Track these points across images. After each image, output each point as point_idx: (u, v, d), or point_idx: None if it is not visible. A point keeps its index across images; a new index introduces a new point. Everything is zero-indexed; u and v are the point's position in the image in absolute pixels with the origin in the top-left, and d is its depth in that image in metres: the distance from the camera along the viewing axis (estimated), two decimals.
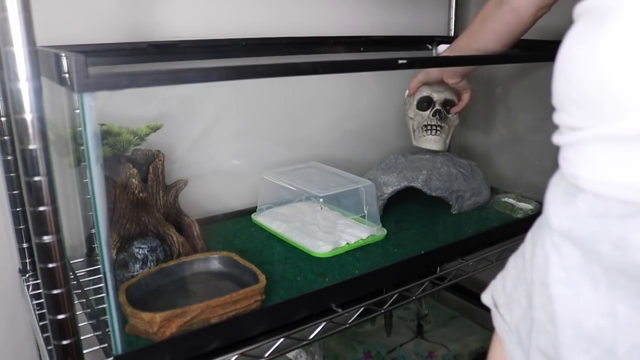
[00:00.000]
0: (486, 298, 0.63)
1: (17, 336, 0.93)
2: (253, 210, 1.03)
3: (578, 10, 0.47)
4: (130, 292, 0.69)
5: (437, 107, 1.10)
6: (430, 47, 1.25)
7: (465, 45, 0.95)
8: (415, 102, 1.12)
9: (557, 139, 0.48)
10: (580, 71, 0.44)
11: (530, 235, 0.57)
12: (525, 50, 0.97)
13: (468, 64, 1.00)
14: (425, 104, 1.11)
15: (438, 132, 1.09)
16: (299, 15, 1.10)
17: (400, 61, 0.74)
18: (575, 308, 0.45)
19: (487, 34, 0.91)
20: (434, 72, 1.06)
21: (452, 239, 0.95)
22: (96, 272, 0.84)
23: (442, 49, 1.23)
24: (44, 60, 0.54)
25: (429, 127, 1.10)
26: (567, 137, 0.46)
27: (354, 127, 1.25)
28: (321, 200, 0.92)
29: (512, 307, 0.57)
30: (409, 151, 1.15)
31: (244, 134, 1.08)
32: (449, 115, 1.12)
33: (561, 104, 0.47)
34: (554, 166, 1.11)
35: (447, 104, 1.11)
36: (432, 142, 1.09)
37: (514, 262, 0.59)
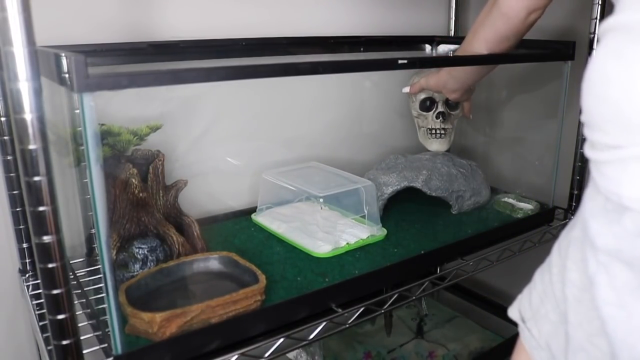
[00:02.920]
0: (513, 313, 0.61)
1: (17, 336, 0.93)
2: (253, 210, 1.03)
3: (610, 24, 0.45)
4: (130, 292, 0.69)
5: (440, 108, 1.11)
6: (430, 46, 1.25)
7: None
8: (418, 103, 1.13)
9: (592, 154, 0.47)
10: (616, 91, 0.43)
11: (557, 248, 0.55)
12: (526, 50, 0.98)
13: (468, 64, 0.99)
14: (427, 103, 1.12)
15: (442, 135, 1.13)
16: (299, 15, 1.10)
17: (400, 61, 0.74)
18: (627, 331, 0.44)
19: (479, 42, 0.89)
20: (432, 85, 1.03)
21: (452, 239, 0.95)
22: (96, 272, 0.84)
23: (442, 49, 1.23)
24: (44, 60, 0.54)
25: (433, 131, 1.13)
26: (606, 154, 0.44)
27: (354, 127, 1.25)
28: (321, 200, 0.92)
29: (539, 322, 0.56)
30: (409, 151, 1.15)
31: (244, 134, 1.08)
32: (452, 113, 1.13)
33: (594, 122, 0.46)
34: (554, 166, 1.11)
35: (450, 100, 1.11)
36: (437, 144, 1.14)
37: (541, 275, 0.58)
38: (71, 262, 0.87)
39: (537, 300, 0.57)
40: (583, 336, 0.49)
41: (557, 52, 0.99)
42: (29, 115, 0.47)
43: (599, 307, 0.46)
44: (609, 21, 0.45)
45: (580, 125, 1.05)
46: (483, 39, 0.88)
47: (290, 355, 1.11)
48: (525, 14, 0.81)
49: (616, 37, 0.44)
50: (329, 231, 0.92)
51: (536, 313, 0.57)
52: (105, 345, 0.64)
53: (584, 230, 0.49)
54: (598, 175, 0.46)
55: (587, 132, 0.47)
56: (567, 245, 0.53)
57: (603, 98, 0.44)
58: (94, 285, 0.81)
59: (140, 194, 0.79)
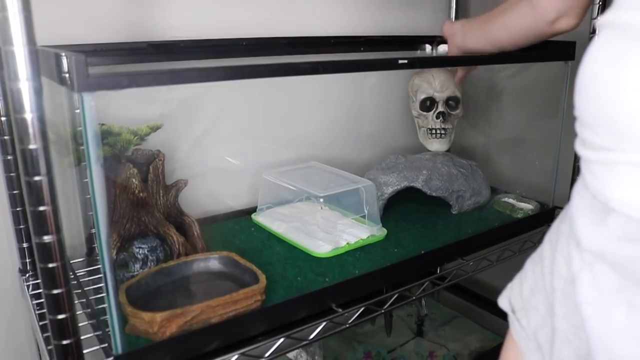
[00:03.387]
0: (503, 302, 0.61)
1: (17, 336, 0.93)
2: (253, 210, 1.03)
3: (605, 20, 0.43)
4: (130, 292, 0.69)
5: (440, 108, 1.11)
6: (430, 46, 1.25)
7: (476, 30, 0.90)
8: (418, 103, 1.12)
9: (582, 151, 0.45)
10: (605, 93, 0.41)
11: (549, 240, 0.55)
12: (526, 50, 0.97)
13: (468, 64, 1.00)
14: (428, 103, 1.12)
15: (442, 135, 1.13)
16: (299, 15, 1.10)
17: (400, 61, 0.74)
18: (606, 331, 0.43)
19: (499, 25, 0.85)
20: (445, 28, 0.99)
21: (452, 239, 0.95)
22: (96, 272, 0.84)
23: (442, 49, 1.23)
24: (44, 60, 0.54)
25: (433, 131, 1.13)
26: (595, 154, 0.43)
27: (354, 127, 1.25)
28: (321, 200, 0.92)
29: (529, 313, 0.56)
30: (409, 151, 1.15)
31: (244, 134, 1.08)
32: (453, 113, 1.12)
33: (585, 120, 0.44)
34: (554, 166, 1.10)
35: (450, 100, 1.12)
36: (438, 144, 1.15)
37: (532, 265, 0.58)
38: (71, 261, 0.87)
39: (527, 291, 0.57)
40: (568, 328, 0.49)
41: (557, 52, 0.99)
42: (29, 115, 0.47)
43: (579, 305, 0.45)
44: (605, 17, 0.44)
45: None
46: (504, 24, 0.84)
47: (290, 355, 1.11)
48: (554, 15, 0.77)
49: (609, 33, 0.43)
50: (329, 231, 0.92)
51: (527, 304, 0.57)
52: (106, 345, 0.64)
53: (571, 226, 0.48)
54: (587, 173, 0.45)
55: (578, 128, 0.46)
56: (557, 238, 0.53)
57: (593, 98, 0.43)
58: (94, 285, 0.81)
59: (141, 194, 0.79)
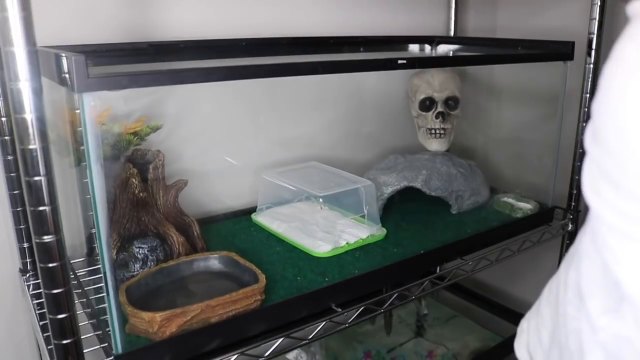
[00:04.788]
0: (521, 352, 0.52)
1: (17, 336, 0.93)
2: (253, 210, 1.04)
3: (635, 9, 0.33)
4: (130, 292, 0.69)
5: (440, 108, 1.11)
6: (430, 47, 1.25)
7: None
8: (417, 103, 1.12)
9: (595, 201, 0.34)
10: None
11: (563, 280, 0.45)
12: (526, 50, 0.98)
13: (469, 64, 1.00)
14: (427, 103, 1.12)
15: (442, 135, 1.13)
16: (299, 15, 1.10)
17: (400, 61, 0.74)
18: None
19: None
20: None
21: (451, 238, 0.95)
22: (96, 271, 0.84)
23: (442, 49, 1.23)
24: (44, 60, 0.54)
25: (433, 131, 1.13)
26: (615, 214, 0.32)
27: (354, 127, 1.25)
28: (321, 200, 0.92)
29: None
30: (409, 151, 1.15)
31: (244, 134, 1.08)
32: (452, 113, 1.12)
33: (607, 147, 0.31)
34: (553, 166, 1.11)
35: (450, 100, 1.12)
36: (437, 144, 1.14)
37: (548, 309, 0.48)
38: (71, 261, 0.87)
39: (547, 340, 0.49)
40: None
41: (556, 52, 0.99)
42: (29, 115, 0.47)
43: None
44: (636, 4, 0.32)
45: (579, 125, 1.05)
46: None
47: (290, 355, 1.11)
48: None
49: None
50: (328, 231, 0.93)
51: (547, 355, 0.49)
52: (106, 344, 0.64)
53: (580, 298, 0.40)
54: (600, 232, 0.34)
55: (594, 153, 0.33)
56: (565, 288, 0.44)
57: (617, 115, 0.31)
58: (94, 284, 0.81)
59: (141, 194, 0.79)
